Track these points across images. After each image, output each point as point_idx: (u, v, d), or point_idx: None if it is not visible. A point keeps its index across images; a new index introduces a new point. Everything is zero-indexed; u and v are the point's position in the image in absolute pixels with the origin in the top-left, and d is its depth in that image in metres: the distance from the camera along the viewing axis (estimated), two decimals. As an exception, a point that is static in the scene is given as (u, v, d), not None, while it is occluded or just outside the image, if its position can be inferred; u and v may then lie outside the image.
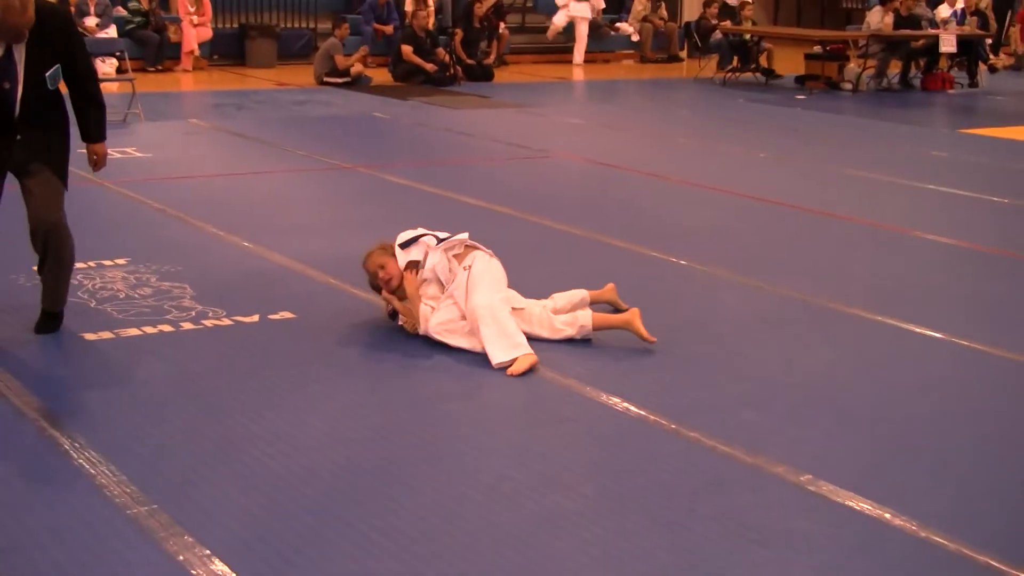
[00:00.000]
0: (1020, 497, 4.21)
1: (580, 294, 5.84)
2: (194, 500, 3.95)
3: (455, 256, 5.61)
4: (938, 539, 3.82)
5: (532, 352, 5.27)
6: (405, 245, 5.67)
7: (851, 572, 3.63)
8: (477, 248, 5.67)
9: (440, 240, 5.68)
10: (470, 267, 5.51)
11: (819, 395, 5.11)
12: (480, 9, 18.05)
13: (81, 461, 4.22)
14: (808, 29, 20.09)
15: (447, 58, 17.09)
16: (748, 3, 19.53)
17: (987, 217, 9.02)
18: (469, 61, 17.43)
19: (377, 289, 5.71)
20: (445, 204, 8.69)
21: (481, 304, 5.37)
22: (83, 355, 5.24)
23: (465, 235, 5.73)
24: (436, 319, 5.49)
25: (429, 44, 16.97)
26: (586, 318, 5.59)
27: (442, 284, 5.60)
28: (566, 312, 5.69)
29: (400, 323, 5.65)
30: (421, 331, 5.52)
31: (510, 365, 5.19)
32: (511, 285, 5.69)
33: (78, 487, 4.03)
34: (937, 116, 15.38)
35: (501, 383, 5.13)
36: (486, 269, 5.54)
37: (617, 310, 5.89)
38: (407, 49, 16.73)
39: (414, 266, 5.62)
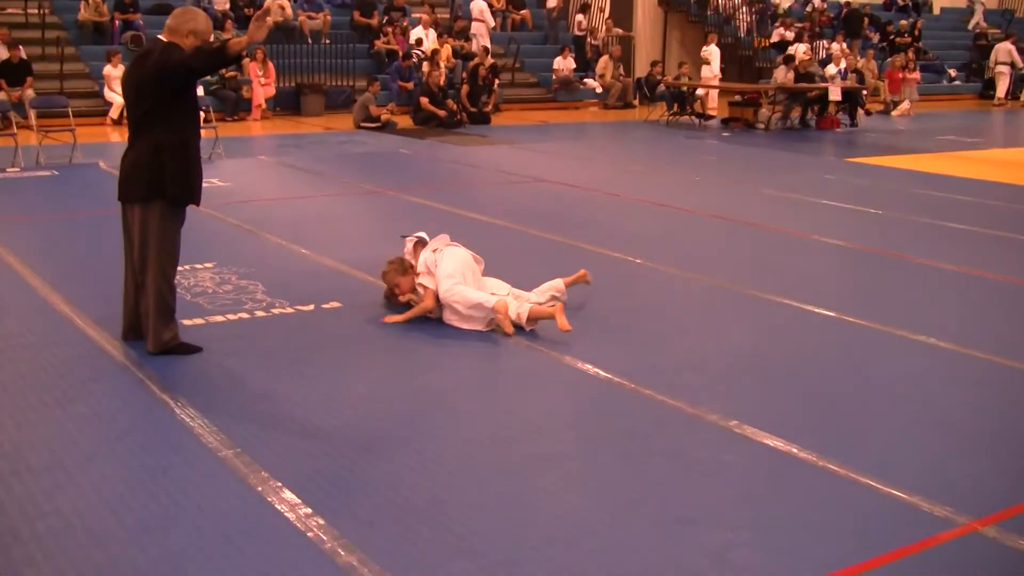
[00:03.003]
0: (893, 432, 4.22)
1: (556, 283, 5.82)
2: (268, 445, 3.95)
3: (434, 251, 5.60)
4: (833, 467, 3.84)
5: (499, 298, 5.34)
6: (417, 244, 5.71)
7: (767, 493, 3.65)
8: (452, 244, 5.67)
9: (427, 241, 5.71)
10: (441, 250, 5.56)
11: (743, 361, 5.11)
12: (482, 70, 18.02)
13: (183, 416, 4.22)
14: (730, 83, 20.02)
15: (455, 107, 17.04)
16: (685, 63, 19.50)
17: (867, 224, 9.02)
18: (472, 109, 17.38)
19: (392, 297, 5.73)
20: (454, 218, 8.68)
21: (442, 291, 5.40)
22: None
23: (446, 236, 5.74)
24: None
25: (441, 96, 16.91)
26: (524, 310, 5.41)
27: (432, 273, 5.56)
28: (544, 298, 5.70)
29: (400, 299, 5.67)
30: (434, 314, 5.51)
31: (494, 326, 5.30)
32: (506, 279, 5.69)
33: (181, 436, 4.03)
34: (828, 148, 15.35)
35: (498, 355, 5.12)
36: (451, 255, 5.54)
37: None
38: (424, 100, 16.68)
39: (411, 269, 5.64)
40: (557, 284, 5.84)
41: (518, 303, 5.46)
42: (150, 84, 4.76)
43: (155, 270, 4.87)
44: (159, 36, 4.88)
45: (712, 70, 18.88)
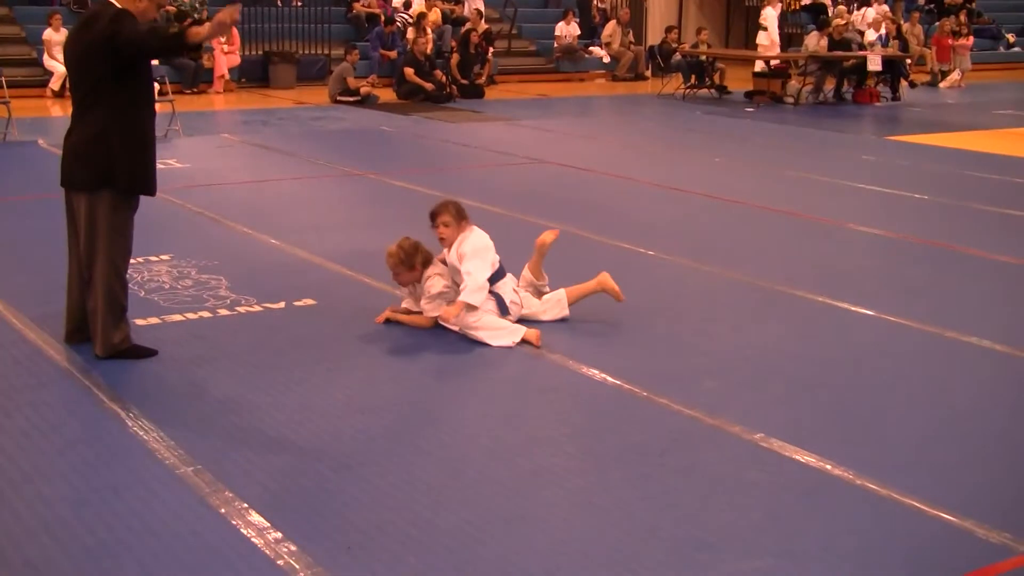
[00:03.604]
0: (939, 446, 4.23)
1: (559, 297, 5.66)
2: (233, 461, 3.95)
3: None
4: (871, 486, 3.85)
5: (525, 329, 5.31)
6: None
7: (797, 515, 3.66)
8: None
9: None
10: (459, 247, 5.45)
11: (769, 365, 5.12)
12: (475, 37, 18.02)
13: (136, 428, 4.22)
14: (755, 51, 20.05)
15: (444, 78, 17.04)
16: (704, 28, 19.51)
17: (909, 211, 9.04)
18: (464, 81, 17.38)
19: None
20: (444, 205, 8.67)
21: (459, 322, 5.30)
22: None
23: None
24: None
25: (428, 66, 16.92)
26: (561, 294, 5.59)
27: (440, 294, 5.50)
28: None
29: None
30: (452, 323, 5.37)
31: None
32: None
33: (133, 451, 4.03)
34: (866, 125, 15.38)
35: (496, 360, 5.13)
36: (472, 244, 5.43)
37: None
38: (409, 71, 16.69)
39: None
40: (560, 298, 5.65)
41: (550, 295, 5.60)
42: (96, 56, 4.72)
43: (104, 264, 4.86)
44: None
45: (769, 36, 18.47)
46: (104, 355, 4.91)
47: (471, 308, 5.28)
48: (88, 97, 4.81)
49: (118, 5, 4.80)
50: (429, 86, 16.51)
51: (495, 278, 5.44)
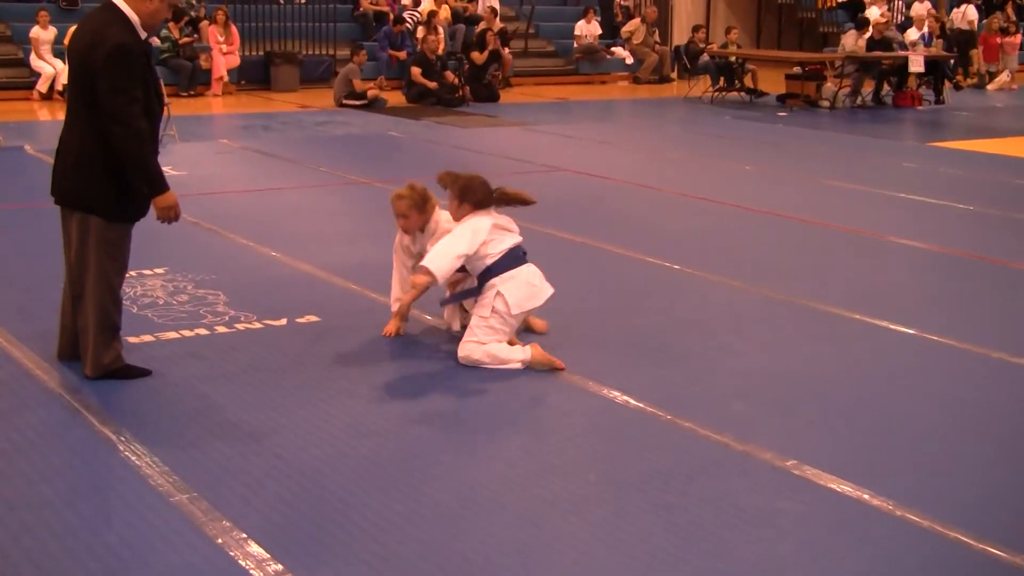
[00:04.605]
0: (987, 476, 4.22)
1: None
2: (230, 488, 3.97)
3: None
4: (912, 517, 3.84)
5: (530, 346, 5.29)
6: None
7: (833, 549, 3.65)
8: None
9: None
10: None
11: (802, 387, 5.12)
12: (491, 37, 18.09)
13: (128, 453, 4.24)
14: (788, 52, 20.10)
15: (457, 80, 17.11)
16: (734, 28, 19.55)
17: (954, 223, 9.03)
18: (479, 84, 17.43)
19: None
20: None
21: (472, 356, 5.26)
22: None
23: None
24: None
25: (439, 67, 16.99)
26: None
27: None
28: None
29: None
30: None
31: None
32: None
33: (125, 477, 4.05)
34: (907, 131, 15.37)
35: (511, 381, 5.13)
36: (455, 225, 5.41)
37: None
38: (415, 70, 16.78)
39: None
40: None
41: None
42: (89, 78, 4.73)
43: (96, 278, 4.89)
44: None
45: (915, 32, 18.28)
46: (94, 375, 4.94)
47: (430, 275, 5.14)
48: (83, 109, 4.83)
49: (124, 11, 4.78)
50: (433, 85, 16.56)
51: (498, 269, 5.32)
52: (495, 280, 5.32)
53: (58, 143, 4.98)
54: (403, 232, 5.74)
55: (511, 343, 5.34)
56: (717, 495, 4.00)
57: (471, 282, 5.48)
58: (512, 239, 5.43)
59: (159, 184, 4.86)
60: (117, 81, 4.68)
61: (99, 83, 4.70)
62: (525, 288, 5.36)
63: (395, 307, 5.69)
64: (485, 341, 5.27)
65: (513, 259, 5.40)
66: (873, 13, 19.40)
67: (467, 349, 5.27)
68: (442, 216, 5.67)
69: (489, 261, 5.33)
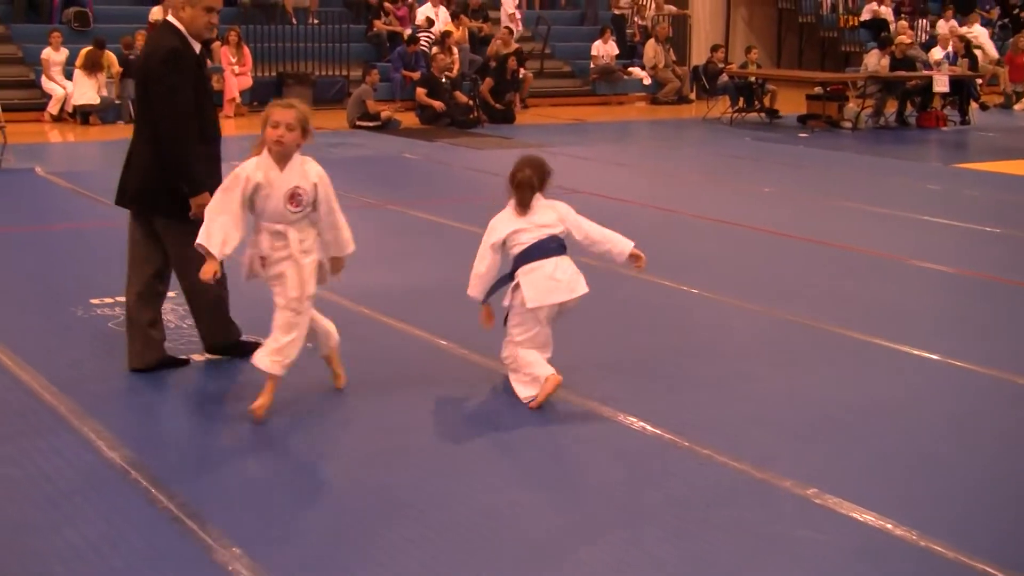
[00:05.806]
0: (1015, 506, 4.20)
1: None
2: (241, 515, 3.97)
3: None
4: (938, 548, 3.82)
5: (552, 372, 5.09)
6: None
7: (855, 579, 3.64)
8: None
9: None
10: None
11: (822, 413, 5.11)
12: (512, 61, 18.16)
13: (137, 477, 4.25)
14: (809, 71, 20.11)
15: (471, 102, 17.18)
16: (754, 47, 19.59)
17: (979, 246, 9.01)
18: (499, 107, 17.47)
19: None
20: (467, 237, 8.68)
21: (502, 352, 5.30)
22: (136, 379, 5.30)
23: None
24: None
25: (449, 87, 17.05)
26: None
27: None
28: None
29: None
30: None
31: (533, 399, 5.09)
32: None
33: (135, 501, 4.07)
34: (931, 152, 15.35)
35: (525, 406, 5.11)
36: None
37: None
38: (420, 92, 16.85)
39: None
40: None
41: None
42: (152, 78, 5.24)
43: (192, 272, 5.17)
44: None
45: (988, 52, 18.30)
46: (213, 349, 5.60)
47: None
48: (146, 128, 5.34)
49: (175, 24, 5.26)
50: (439, 105, 16.58)
51: (522, 260, 5.25)
52: (519, 271, 5.24)
53: (131, 151, 5.44)
54: (278, 145, 5.06)
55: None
56: (735, 523, 3.98)
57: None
58: (544, 232, 5.35)
59: (197, 184, 5.27)
60: (168, 81, 5.16)
61: (152, 88, 5.19)
62: (544, 282, 5.18)
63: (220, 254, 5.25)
64: (517, 338, 5.21)
65: (541, 251, 5.27)
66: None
67: (505, 346, 5.28)
68: (311, 168, 5.17)
69: (516, 251, 5.28)
